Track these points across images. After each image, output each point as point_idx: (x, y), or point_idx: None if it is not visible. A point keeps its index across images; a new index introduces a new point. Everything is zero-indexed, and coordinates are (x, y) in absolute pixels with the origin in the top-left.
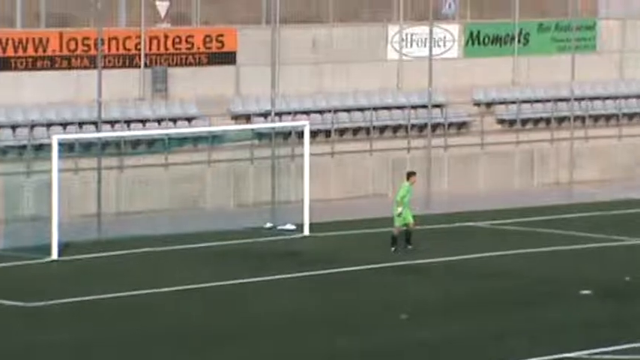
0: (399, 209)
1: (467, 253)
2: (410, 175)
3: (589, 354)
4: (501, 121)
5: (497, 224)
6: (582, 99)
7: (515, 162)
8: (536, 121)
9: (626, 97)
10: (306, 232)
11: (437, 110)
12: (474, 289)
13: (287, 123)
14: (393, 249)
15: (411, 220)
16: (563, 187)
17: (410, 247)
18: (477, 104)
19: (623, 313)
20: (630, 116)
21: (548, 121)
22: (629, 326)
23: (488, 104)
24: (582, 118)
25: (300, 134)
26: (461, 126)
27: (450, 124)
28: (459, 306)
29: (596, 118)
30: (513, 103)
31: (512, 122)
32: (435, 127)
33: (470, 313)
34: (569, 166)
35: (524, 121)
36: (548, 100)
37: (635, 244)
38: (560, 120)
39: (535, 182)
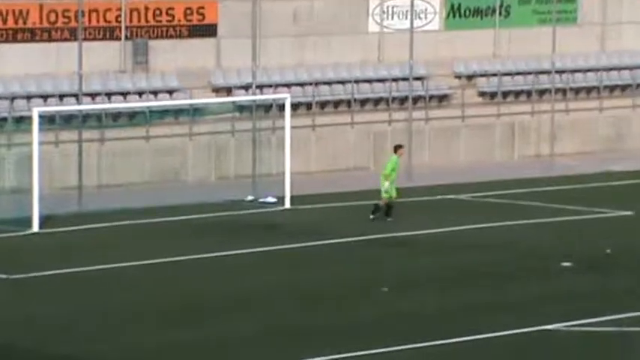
0: (386, 183)
1: (449, 225)
2: (397, 147)
3: (569, 325)
4: (482, 94)
5: (478, 197)
6: (563, 71)
7: (496, 134)
8: (517, 93)
9: (608, 70)
10: (287, 204)
11: (418, 83)
12: (457, 261)
13: (268, 96)
14: (372, 217)
15: (394, 194)
16: (544, 160)
17: (389, 219)
18: (458, 77)
19: (604, 285)
20: (611, 89)
21: (529, 93)
22: (610, 298)
23: (470, 77)
24: (563, 91)
25: (281, 107)
26: (442, 99)
27: (431, 97)
28: (441, 279)
29: (577, 91)
30: (494, 75)
31: (493, 95)
32: (416, 99)
33: (452, 285)
34: (549, 139)
35: (505, 94)
36: (529, 73)
37: (615, 216)
38: (541, 92)
39: (516, 155)
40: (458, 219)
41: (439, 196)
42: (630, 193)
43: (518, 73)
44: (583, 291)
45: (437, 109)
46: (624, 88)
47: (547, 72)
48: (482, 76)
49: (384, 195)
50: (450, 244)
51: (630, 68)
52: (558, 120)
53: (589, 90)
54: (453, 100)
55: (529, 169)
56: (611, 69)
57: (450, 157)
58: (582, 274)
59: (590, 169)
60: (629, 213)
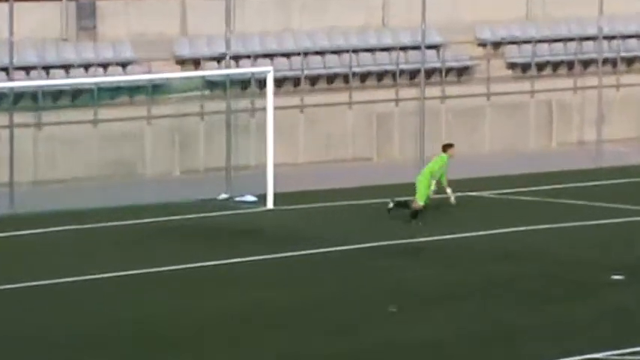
0: (433, 184)
1: (469, 230)
2: (447, 147)
3: (621, 354)
4: (512, 66)
5: (507, 194)
6: (613, 37)
7: (529, 116)
8: (556, 65)
9: None
10: (270, 204)
11: (432, 52)
12: (482, 274)
13: (245, 69)
14: (419, 223)
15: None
16: (589, 148)
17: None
18: (483, 44)
19: None
20: None
21: (570, 65)
22: None
23: (496, 44)
24: (613, 62)
25: (262, 83)
26: (462, 72)
27: (449, 70)
28: (461, 296)
29: (629, 62)
30: (527, 43)
31: (525, 67)
32: (429, 73)
33: (476, 304)
34: (596, 121)
35: (541, 66)
36: (570, 40)
37: None
38: (586, 64)
39: (554, 142)
40: (482, 222)
41: (458, 193)
42: None
43: (556, 40)
44: (638, 310)
45: (455, 84)
46: None
47: (592, 38)
48: (511, 43)
49: (422, 199)
50: (472, 252)
51: None
52: (607, 98)
53: None
54: (475, 73)
55: (570, 158)
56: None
57: (472, 145)
58: (637, 289)
59: None
60: None
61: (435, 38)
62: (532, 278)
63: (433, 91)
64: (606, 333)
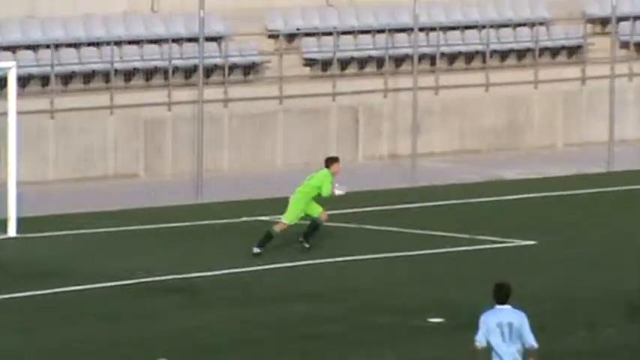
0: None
1: (251, 264)
2: (330, 161)
3: None
4: (310, 62)
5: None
6: (431, 29)
7: (330, 124)
8: (363, 62)
9: (499, 27)
10: (12, 231)
11: (212, 45)
12: (269, 316)
13: None
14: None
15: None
16: (402, 162)
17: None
18: (274, 36)
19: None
20: (503, 55)
21: (380, 62)
22: None
23: (290, 36)
24: (431, 58)
25: (2, 81)
26: (248, 69)
27: (233, 67)
28: (244, 342)
29: (450, 58)
30: (328, 35)
31: (326, 64)
32: (209, 70)
33: (262, 355)
34: (411, 131)
35: (345, 63)
36: (379, 31)
37: (511, 246)
38: (398, 61)
39: (360, 155)
40: (263, 253)
41: (230, 220)
42: (529, 212)
43: (362, 32)
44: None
45: (241, 84)
46: (522, 54)
47: (406, 30)
48: (309, 35)
49: (288, 218)
50: (253, 290)
51: (532, 24)
52: (423, 102)
53: (469, 57)
54: (265, 71)
55: (380, 175)
56: (502, 25)
57: (260, 158)
58: (460, 334)
59: (471, 177)
60: (529, 242)
61: (215, 28)
62: (328, 321)
63: (213, 92)
64: None
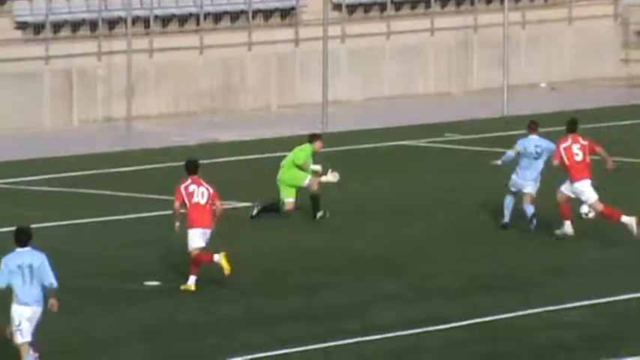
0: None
1: None
2: (314, 137)
3: None
4: (22, 26)
5: (14, 183)
6: None
7: (44, 88)
8: (76, 25)
9: None
10: None
11: None
12: None
13: None
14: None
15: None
16: (117, 125)
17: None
18: None
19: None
20: (234, 16)
21: (94, 25)
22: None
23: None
24: (145, 21)
25: None
26: None
27: None
28: None
29: (164, 21)
30: None
31: (38, 27)
32: None
33: None
34: (125, 94)
35: (58, 26)
36: None
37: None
38: (112, 24)
39: (75, 119)
40: None
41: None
42: (243, 173)
43: None
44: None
45: None
46: (236, 16)
47: None
48: None
49: (289, 195)
50: None
51: None
52: (138, 65)
53: (183, 19)
54: None
55: (95, 139)
56: None
57: None
58: (174, 295)
59: (187, 140)
60: (245, 204)
61: None
62: None
63: None
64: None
